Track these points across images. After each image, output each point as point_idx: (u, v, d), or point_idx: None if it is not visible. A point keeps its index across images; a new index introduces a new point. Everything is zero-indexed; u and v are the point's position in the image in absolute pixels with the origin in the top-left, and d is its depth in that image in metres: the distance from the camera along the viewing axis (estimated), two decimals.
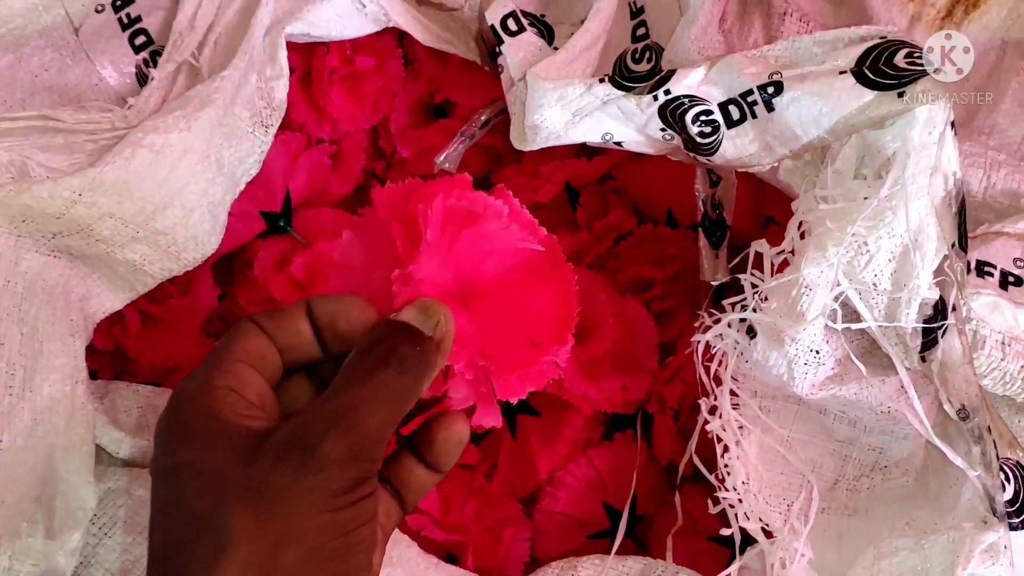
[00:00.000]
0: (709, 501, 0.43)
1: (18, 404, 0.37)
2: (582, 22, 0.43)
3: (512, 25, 0.44)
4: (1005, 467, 0.38)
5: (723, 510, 0.42)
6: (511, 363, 0.36)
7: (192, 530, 0.28)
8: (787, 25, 0.49)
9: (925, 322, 0.37)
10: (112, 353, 0.48)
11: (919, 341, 0.37)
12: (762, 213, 0.51)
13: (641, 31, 0.44)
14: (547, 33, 0.46)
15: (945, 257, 0.36)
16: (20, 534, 0.36)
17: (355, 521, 0.29)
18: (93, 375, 0.44)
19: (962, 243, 0.36)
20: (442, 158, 0.50)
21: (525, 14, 0.45)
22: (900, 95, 0.33)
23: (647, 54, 0.43)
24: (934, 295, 0.36)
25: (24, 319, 0.38)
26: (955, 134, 0.34)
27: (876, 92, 0.33)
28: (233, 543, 0.27)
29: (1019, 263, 0.39)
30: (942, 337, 0.37)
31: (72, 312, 0.41)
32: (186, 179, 0.40)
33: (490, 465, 0.51)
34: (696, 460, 0.44)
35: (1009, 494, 0.37)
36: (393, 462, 0.36)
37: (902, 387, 0.39)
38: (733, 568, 0.40)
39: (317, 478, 0.28)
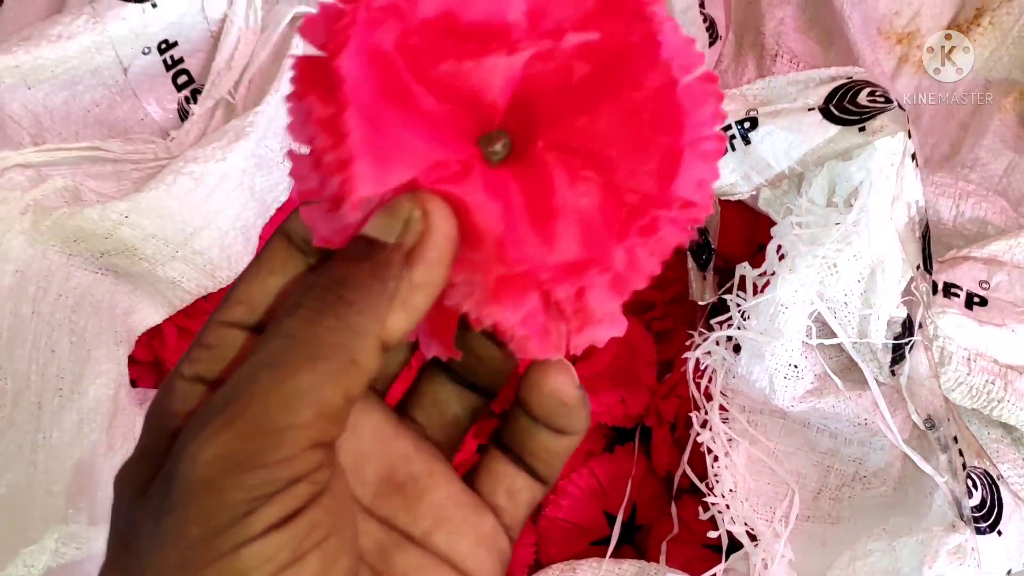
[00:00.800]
0: (700, 507, 0.45)
1: (67, 404, 0.40)
2: None
3: None
4: (973, 475, 0.40)
5: (713, 515, 0.45)
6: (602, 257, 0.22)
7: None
8: (778, 66, 0.52)
9: (895, 339, 0.39)
10: (151, 363, 0.51)
11: (889, 356, 0.40)
12: (755, 240, 0.54)
13: None
14: None
15: (912, 279, 0.39)
16: (67, 520, 0.39)
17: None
18: (132, 383, 0.47)
19: (927, 265, 0.39)
20: None
21: None
22: (861, 129, 0.36)
23: None
24: (902, 313, 0.39)
25: (74, 329, 0.42)
26: (916, 165, 0.37)
27: (840, 127, 0.36)
28: None
29: (984, 285, 0.41)
30: (910, 353, 0.39)
31: (117, 324, 0.43)
32: (222, 204, 0.43)
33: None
34: (688, 471, 0.47)
35: (976, 500, 0.40)
36: (506, 424, 0.25)
37: None
38: (719, 568, 0.42)
39: (174, 518, 0.18)
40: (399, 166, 0.20)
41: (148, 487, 0.20)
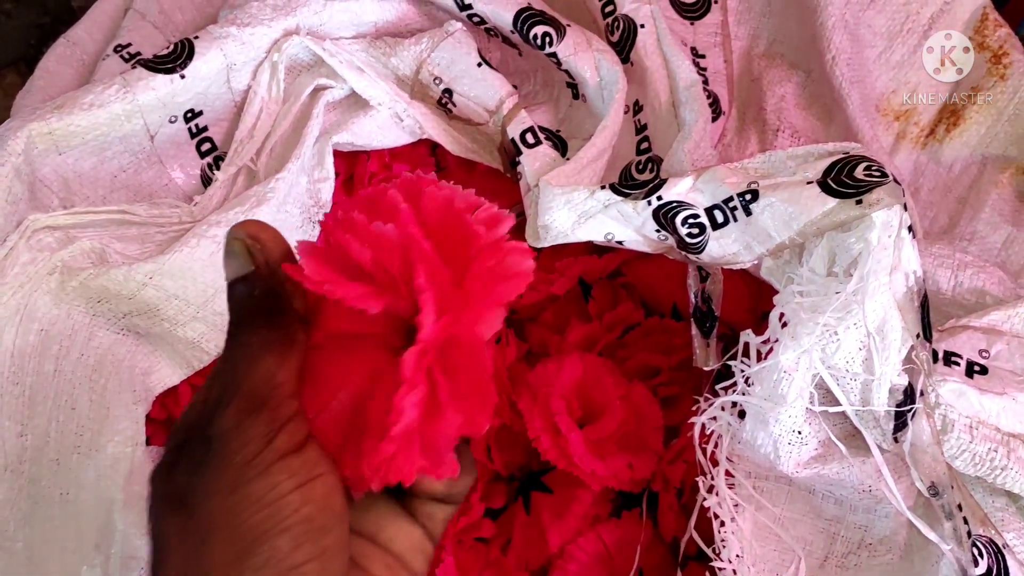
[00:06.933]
0: (707, 573, 0.45)
1: (85, 462, 0.41)
2: (591, 137, 0.48)
3: (530, 138, 0.48)
4: (978, 543, 0.40)
5: None
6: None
7: (148, 547, 0.27)
8: (780, 140, 0.53)
9: (897, 406, 0.40)
10: (165, 422, 0.51)
11: (892, 424, 0.40)
12: (758, 309, 0.55)
13: (644, 145, 0.49)
14: (561, 146, 0.51)
15: (912, 347, 0.39)
16: None
17: (279, 486, 0.26)
18: (147, 441, 0.48)
19: (926, 334, 0.39)
20: None
21: (542, 129, 0.50)
22: (858, 202, 0.37)
23: (649, 165, 0.48)
24: (903, 381, 0.40)
25: (94, 388, 0.43)
26: (913, 236, 0.38)
27: (838, 199, 0.37)
28: (166, 552, 0.26)
29: (984, 354, 0.42)
30: (912, 420, 0.40)
31: (136, 384, 0.44)
32: None
33: (505, 539, 0.53)
34: (695, 536, 0.47)
35: (982, 568, 0.40)
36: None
37: None
38: None
39: (217, 460, 0.26)
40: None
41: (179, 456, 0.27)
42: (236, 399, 0.27)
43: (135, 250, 0.45)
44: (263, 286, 0.29)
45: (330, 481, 0.28)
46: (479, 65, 0.50)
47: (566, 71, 0.50)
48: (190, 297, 0.43)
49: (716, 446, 0.45)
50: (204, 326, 0.45)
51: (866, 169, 0.38)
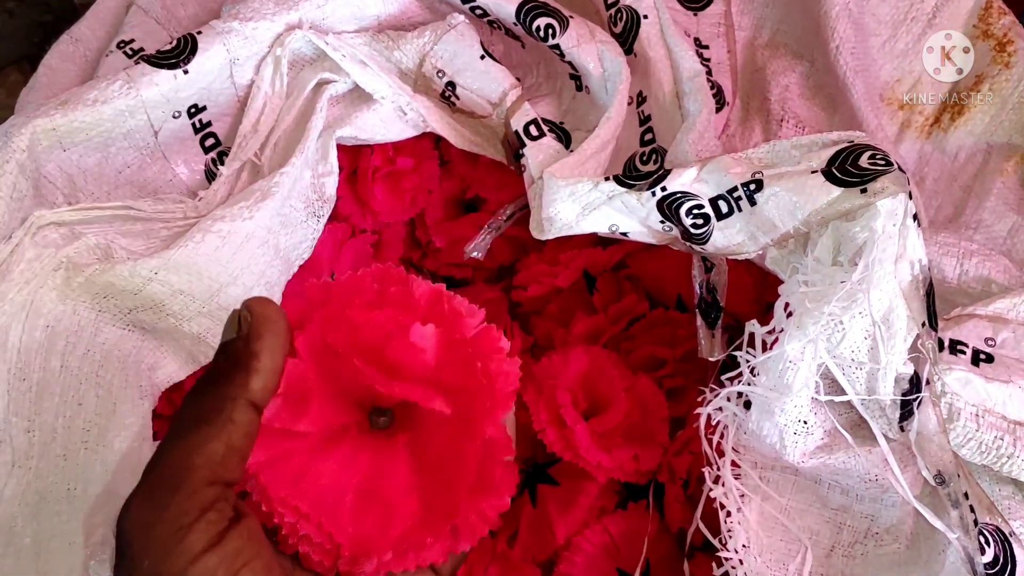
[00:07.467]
0: (713, 563, 0.45)
1: (92, 457, 0.41)
2: (595, 129, 0.48)
3: (534, 131, 0.48)
4: (985, 531, 0.40)
5: (727, 571, 0.45)
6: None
7: None
8: (784, 130, 0.53)
9: (902, 395, 0.40)
10: (170, 417, 0.52)
11: (897, 413, 0.40)
12: (763, 299, 0.55)
13: (648, 136, 0.49)
14: (564, 138, 0.51)
15: (917, 336, 0.39)
16: (88, 571, 0.39)
17: None
18: (154, 436, 0.48)
19: (932, 323, 0.39)
20: (471, 247, 0.54)
21: (546, 121, 0.49)
22: (862, 191, 0.37)
23: (653, 156, 0.48)
24: (909, 370, 0.40)
25: (100, 383, 0.43)
26: (918, 225, 0.38)
27: (842, 188, 0.37)
28: None
29: (990, 342, 0.42)
30: (918, 409, 0.40)
31: (142, 379, 0.44)
32: (247, 261, 0.44)
33: (512, 532, 0.53)
34: (702, 526, 0.47)
35: (989, 557, 0.40)
36: None
37: None
38: None
39: (127, 568, 0.25)
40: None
41: None
42: (145, 486, 0.26)
43: (140, 246, 0.45)
44: (232, 355, 0.29)
45: (258, 566, 0.26)
46: (482, 58, 0.50)
47: (569, 63, 0.50)
48: (195, 292, 0.44)
49: (722, 437, 0.45)
50: (210, 321, 0.45)
51: (871, 158, 0.38)
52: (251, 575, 0.26)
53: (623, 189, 0.42)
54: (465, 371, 0.32)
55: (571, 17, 0.49)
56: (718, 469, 0.46)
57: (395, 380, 0.31)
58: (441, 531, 0.32)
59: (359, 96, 0.51)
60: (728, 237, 0.42)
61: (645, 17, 0.50)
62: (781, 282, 0.43)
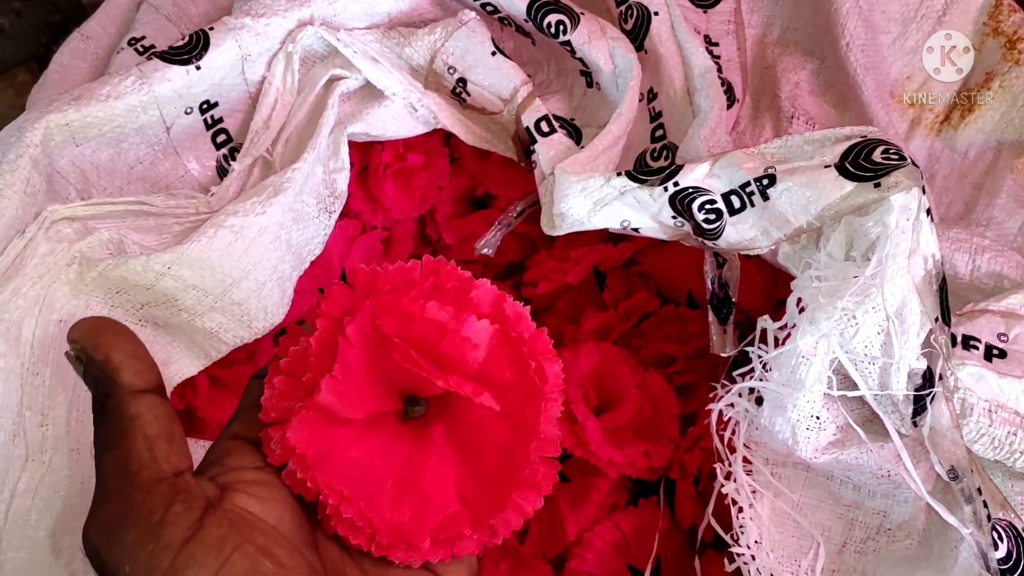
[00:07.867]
0: (725, 559, 0.45)
1: None
2: (606, 125, 0.48)
3: (545, 127, 0.48)
4: (998, 527, 0.40)
5: (739, 568, 0.45)
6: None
7: None
8: (795, 127, 0.53)
9: (915, 390, 0.40)
10: (182, 412, 0.52)
11: (910, 408, 0.40)
12: (774, 296, 0.55)
13: (659, 132, 0.49)
14: (575, 134, 0.51)
15: (931, 331, 0.39)
16: None
17: None
18: None
19: (945, 318, 0.39)
20: (482, 244, 0.54)
21: (556, 118, 0.50)
22: (876, 185, 0.37)
23: (664, 152, 0.48)
24: (922, 365, 0.40)
25: None
26: (931, 220, 0.38)
27: (855, 183, 0.37)
28: None
29: (1002, 337, 0.42)
30: (931, 404, 0.40)
31: None
32: (260, 256, 0.45)
33: (523, 528, 0.54)
34: (714, 522, 0.47)
35: (1002, 552, 0.40)
36: None
37: None
38: None
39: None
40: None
41: None
42: (98, 506, 0.26)
43: (153, 241, 0.45)
44: (95, 379, 0.29)
45: (251, 550, 0.26)
46: (493, 54, 0.50)
47: (580, 59, 0.50)
48: (208, 287, 0.44)
49: (733, 433, 0.45)
50: (222, 316, 0.45)
51: (884, 152, 0.38)
52: (244, 560, 0.26)
53: (635, 184, 0.42)
54: (518, 370, 0.33)
55: (582, 14, 0.49)
56: (729, 465, 0.46)
57: (448, 373, 0.31)
58: (482, 524, 0.33)
59: (370, 92, 0.51)
60: (740, 232, 0.42)
61: (656, 14, 0.50)
62: (792, 278, 0.43)
